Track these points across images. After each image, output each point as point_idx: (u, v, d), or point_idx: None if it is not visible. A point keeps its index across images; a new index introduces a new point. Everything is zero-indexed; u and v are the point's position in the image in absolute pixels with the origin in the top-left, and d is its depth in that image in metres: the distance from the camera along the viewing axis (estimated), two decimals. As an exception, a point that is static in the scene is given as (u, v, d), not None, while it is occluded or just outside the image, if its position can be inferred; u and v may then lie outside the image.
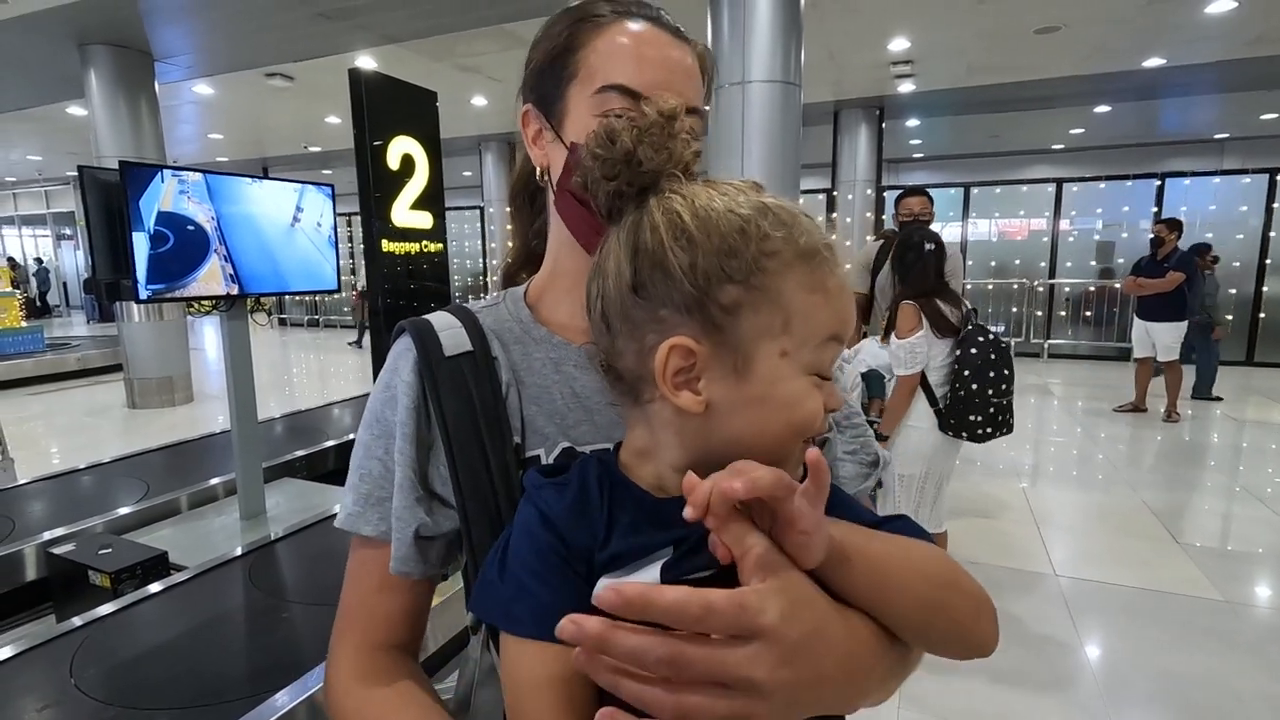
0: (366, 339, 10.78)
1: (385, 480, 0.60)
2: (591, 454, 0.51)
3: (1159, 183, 9.30)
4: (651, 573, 0.43)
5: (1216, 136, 9.70)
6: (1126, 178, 9.61)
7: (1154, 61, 6.53)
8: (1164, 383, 5.79)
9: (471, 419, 0.57)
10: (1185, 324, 5.61)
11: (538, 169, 0.64)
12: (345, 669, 0.59)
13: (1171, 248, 5.57)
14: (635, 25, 0.59)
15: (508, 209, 0.75)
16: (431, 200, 3.73)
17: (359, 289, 11.13)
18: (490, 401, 0.58)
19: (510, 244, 0.77)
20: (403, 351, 0.61)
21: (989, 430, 2.51)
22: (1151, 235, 5.81)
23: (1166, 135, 9.78)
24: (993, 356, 2.49)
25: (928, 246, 2.57)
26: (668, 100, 0.48)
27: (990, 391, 2.48)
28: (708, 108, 0.64)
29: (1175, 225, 5.64)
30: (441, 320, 0.62)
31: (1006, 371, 2.50)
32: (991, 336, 2.52)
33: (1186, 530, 3.54)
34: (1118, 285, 8.68)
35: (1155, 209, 9.23)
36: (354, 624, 0.61)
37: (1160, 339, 5.66)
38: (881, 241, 3.70)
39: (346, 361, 10.02)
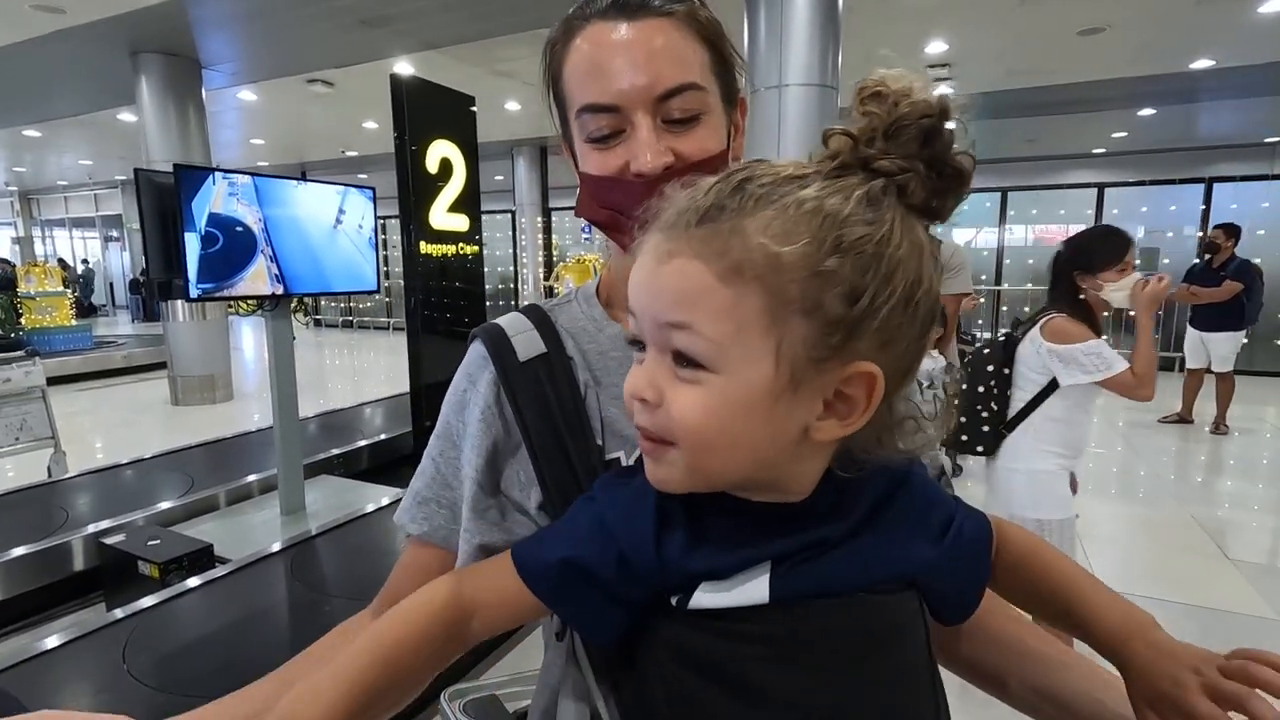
0: None
1: (434, 481, 0.61)
2: None
3: (1206, 187, 9.02)
4: (759, 586, 0.42)
5: (1267, 140, 9.38)
6: (1172, 182, 9.34)
7: (1202, 63, 6.33)
8: (1214, 393, 5.61)
9: (552, 424, 0.56)
10: (1243, 333, 5.44)
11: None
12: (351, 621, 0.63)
13: (1229, 255, 5.40)
14: (590, 28, 0.55)
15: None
16: (468, 203, 3.78)
17: None
18: (570, 404, 0.57)
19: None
20: (476, 359, 0.61)
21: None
22: (1207, 240, 5.64)
23: (1214, 139, 9.48)
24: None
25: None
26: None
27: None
28: (740, 75, 0.60)
29: (1233, 232, 5.46)
30: (514, 324, 0.61)
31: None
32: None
33: (1238, 546, 3.41)
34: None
35: (1203, 211, 8.96)
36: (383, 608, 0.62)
37: (1217, 349, 5.50)
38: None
39: (382, 362, 10.18)
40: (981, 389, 2.17)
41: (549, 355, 0.59)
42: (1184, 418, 5.81)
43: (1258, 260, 6.33)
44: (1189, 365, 5.77)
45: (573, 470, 0.55)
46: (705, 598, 0.43)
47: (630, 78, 0.54)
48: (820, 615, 0.42)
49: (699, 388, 0.40)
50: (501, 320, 0.62)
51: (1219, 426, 5.54)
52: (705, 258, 0.39)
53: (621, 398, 0.57)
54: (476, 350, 0.61)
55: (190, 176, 2.48)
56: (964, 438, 2.20)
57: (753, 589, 0.42)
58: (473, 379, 0.61)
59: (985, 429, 2.17)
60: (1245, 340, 5.55)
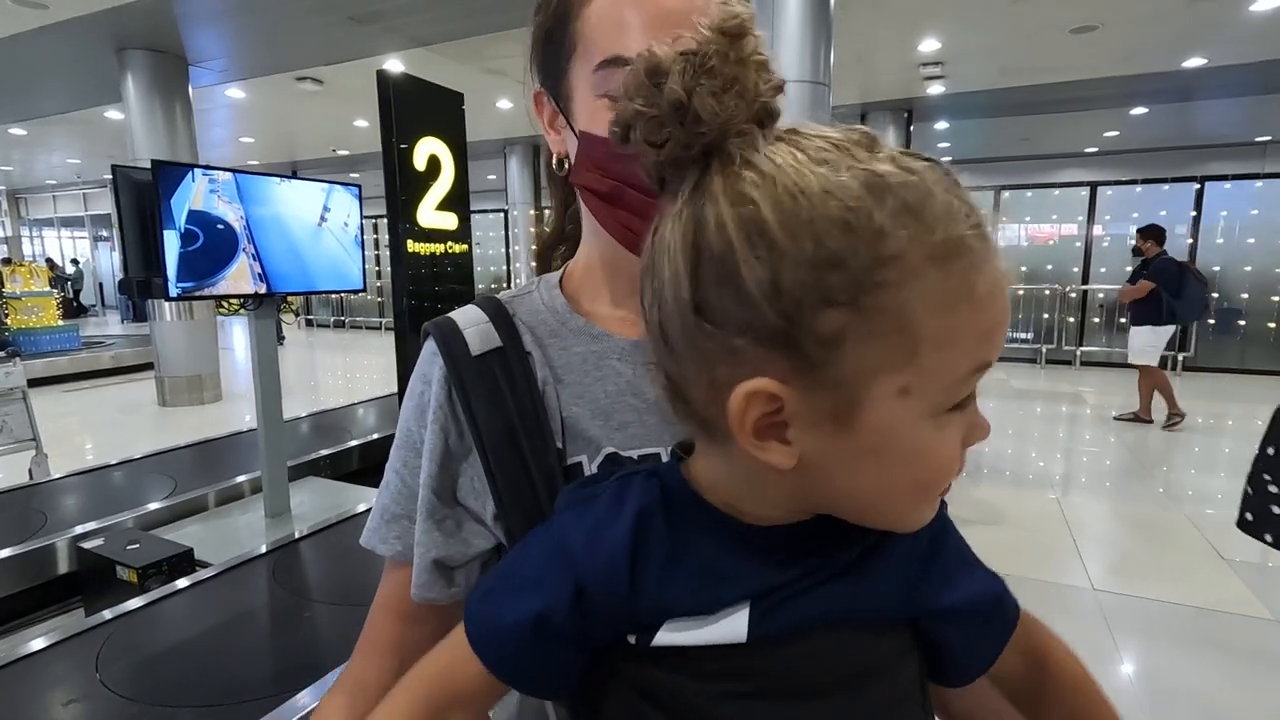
0: None
1: (401, 494, 0.56)
2: (644, 474, 0.43)
3: (1198, 186, 9.05)
4: (736, 623, 0.38)
5: (1258, 139, 9.42)
6: (1163, 181, 9.36)
7: (1194, 62, 6.34)
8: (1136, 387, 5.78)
9: (507, 424, 0.51)
10: (1162, 329, 5.50)
11: (555, 156, 0.58)
12: (343, 680, 0.57)
13: (1154, 254, 5.52)
14: None
15: (531, 212, 0.68)
16: (457, 201, 3.74)
17: None
18: (527, 403, 0.52)
19: (536, 229, 0.70)
20: (428, 357, 0.56)
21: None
22: (1133, 245, 5.78)
23: (1205, 138, 9.51)
24: None
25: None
26: (733, 8, 0.35)
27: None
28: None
29: (1152, 233, 5.59)
30: (467, 317, 0.56)
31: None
32: None
33: (1232, 545, 3.40)
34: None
35: (1194, 213, 8.98)
36: (367, 645, 0.57)
37: (1132, 342, 5.66)
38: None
39: (372, 362, 10.12)
40: (1273, 451, 1.53)
41: (504, 350, 0.53)
42: (1140, 416, 5.82)
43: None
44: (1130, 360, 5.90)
45: (528, 474, 0.50)
46: (673, 635, 0.38)
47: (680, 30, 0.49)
48: (802, 650, 0.38)
49: None
50: (454, 313, 0.57)
51: (1168, 420, 5.57)
52: None
53: (585, 397, 0.53)
54: (428, 348, 0.56)
55: (169, 173, 2.42)
56: (1249, 516, 1.59)
57: (728, 625, 0.38)
58: (427, 379, 0.56)
59: (1278, 509, 1.52)
60: (1189, 334, 5.58)
